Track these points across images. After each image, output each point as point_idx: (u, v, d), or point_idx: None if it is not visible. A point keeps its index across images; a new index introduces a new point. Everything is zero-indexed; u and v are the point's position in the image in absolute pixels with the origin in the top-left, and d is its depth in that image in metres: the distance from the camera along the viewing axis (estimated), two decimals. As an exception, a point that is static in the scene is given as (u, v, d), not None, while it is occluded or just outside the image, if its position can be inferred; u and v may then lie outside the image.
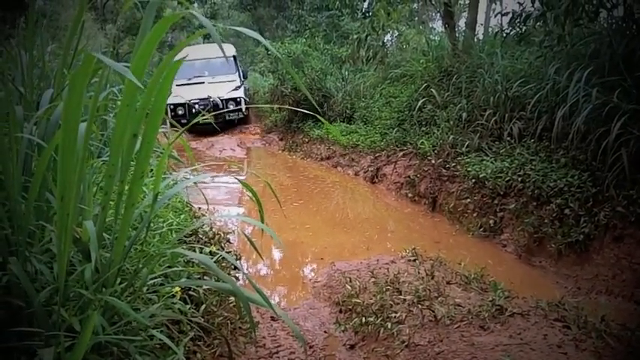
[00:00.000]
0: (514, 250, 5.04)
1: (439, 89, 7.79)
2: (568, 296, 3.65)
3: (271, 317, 3.73)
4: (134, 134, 1.60)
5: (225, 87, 13.66)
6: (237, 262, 3.80)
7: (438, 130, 7.15)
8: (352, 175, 8.80)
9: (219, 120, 13.00)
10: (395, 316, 3.16)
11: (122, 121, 1.52)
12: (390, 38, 12.65)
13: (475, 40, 8.49)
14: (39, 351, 1.42)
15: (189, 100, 12.77)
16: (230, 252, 4.04)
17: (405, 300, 3.35)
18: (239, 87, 14.00)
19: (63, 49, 2.51)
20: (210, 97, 13.20)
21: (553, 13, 5.40)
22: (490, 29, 9.39)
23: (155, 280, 2.14)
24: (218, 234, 4.01)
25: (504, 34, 6.93)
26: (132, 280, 1.78)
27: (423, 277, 3.77)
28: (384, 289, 3.55)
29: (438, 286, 3.57)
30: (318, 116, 1.70)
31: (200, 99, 13.14)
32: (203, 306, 2.79)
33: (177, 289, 2.34)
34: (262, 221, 2.28)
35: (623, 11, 5.06)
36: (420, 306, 3.22)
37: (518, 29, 6.36)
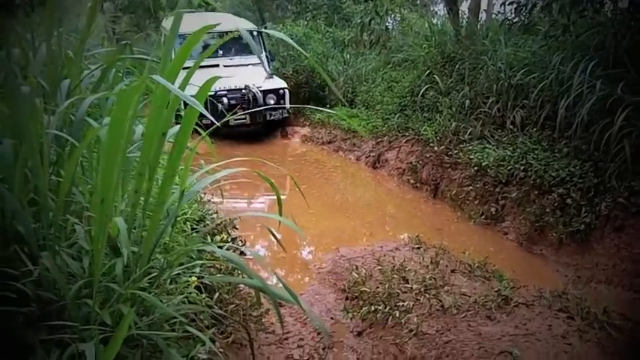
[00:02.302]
0: (515, 238, 5.12)
1: (442, 75, 7.77)
2: (569, 285, 3.73)
3: (279, 303, 3.79)
4: (163, 133, 1.64)
5: (247, 73, 9.86)
6: (246, 249, 3.85)
7: (440, 117, 7.16)
8: (354, 160, 8.82)
9: (259, 121, 9.88)
10: (402, 305, 3.24)
11: (153, 122, 1.56)
12: (391, 22, 12.51)
13: (478, 26, 8.46)
14: (79, 345, 1.47)
15: (216, 92, 9.15)
16: (236, 238, 4.09)
17: (412, 289, 3.42)
18: (271, 75, 10.29)
19: (79, 40, 2.54)
20: (247, 87, 9.52)
21: (559, 3, 5.42)
22: (493, 15, 9.33)
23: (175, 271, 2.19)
24: (225, 220, 4.05)
25: (509, 23, 6.92)
26: (160, 273, 1.84)
27: (427, 266, 3.84)
28: (391, 277, 3.62)
29: (443, 274, 3.64)
30: (331, 92, 1.72)
31: (229, 90, 9.44)
32: (217, 294, 2.86)
33: (194, 278, 2.40)
34: (280, 213, 2.33)
35: (628, 3, 5.09)
36: (427, 295, 3.30)
37: (523, 18, 6.36)
